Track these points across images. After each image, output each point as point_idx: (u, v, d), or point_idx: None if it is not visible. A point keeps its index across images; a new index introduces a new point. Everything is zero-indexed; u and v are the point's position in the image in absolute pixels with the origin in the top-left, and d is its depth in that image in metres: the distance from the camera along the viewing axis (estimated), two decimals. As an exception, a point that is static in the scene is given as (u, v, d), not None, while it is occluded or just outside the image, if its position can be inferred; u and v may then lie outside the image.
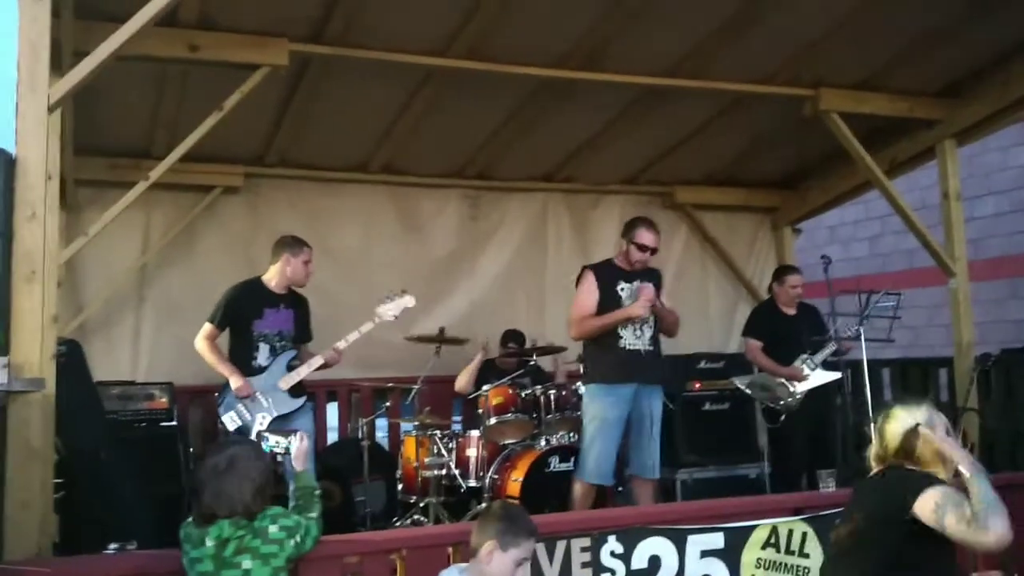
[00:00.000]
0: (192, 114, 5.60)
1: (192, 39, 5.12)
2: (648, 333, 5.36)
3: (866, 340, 5.77)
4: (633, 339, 5.32)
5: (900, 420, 3.26)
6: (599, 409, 5.29)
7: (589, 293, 5.32)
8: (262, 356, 5.36)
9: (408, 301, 5.58)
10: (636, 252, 5.34)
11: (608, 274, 5.38)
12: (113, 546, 3.88)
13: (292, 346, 5.49)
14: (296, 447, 3.57)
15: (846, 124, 6.64)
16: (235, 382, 5.22)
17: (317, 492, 3.50)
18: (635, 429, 5.34)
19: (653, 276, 5.48)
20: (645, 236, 5.34)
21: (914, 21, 5.87)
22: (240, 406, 5.25)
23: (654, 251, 5.38)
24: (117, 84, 5.21)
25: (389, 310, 5.53)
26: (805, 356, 6.30)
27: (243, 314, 5.36)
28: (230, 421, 5.26)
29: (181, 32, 5.08)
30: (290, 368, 5.39)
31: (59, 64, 4.23)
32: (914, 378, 8.13)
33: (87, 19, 4.58)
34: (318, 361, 5.41)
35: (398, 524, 6.07)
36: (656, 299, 5.29)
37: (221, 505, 3.08)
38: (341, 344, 5.44)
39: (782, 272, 6.89)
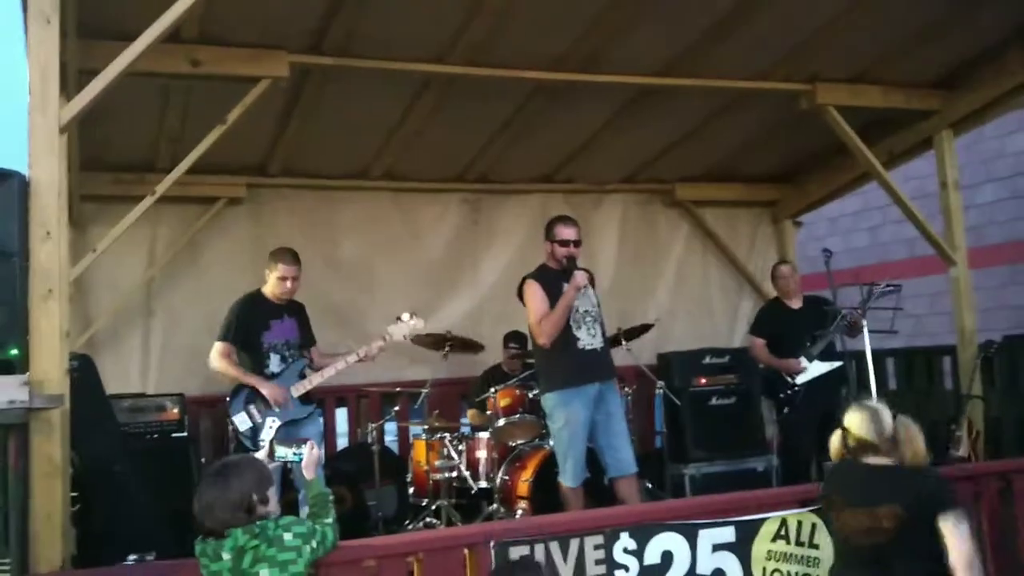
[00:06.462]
0: (195, 127, 5.65)
1: (193, 54, 5.18)
2: (599, 331, 5.43)
3: (869, 332, 5.80)
4: (589, 338, 5.35)
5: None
6: (569, 413, 5.26)
7: (539, 297, 5.35)
8: (273, 364, 5.45)
9: (419, 325, 5.65)
10: (560, 248, 5.43)
11: (547, 278, 5.42)
12: (132, 557, 3.97)
13: (300, 354, 5.57)
14: (307, 456, 3.62)
15: (843, 117, 6.69)
16: (268, 390, 5.30)
17: (331, 498, 3.54)
18: (603, 430, 5.34)
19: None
20: (564, 231, 5.45)
21: (908, 14, 5.91)
22: (252, 408, 5.32)
23: (576, 243, 5.45)
24: (121, 100, 5.21)
25: (400, 331, 5.59)
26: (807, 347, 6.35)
27: (252, 327, 5.44)
28: (241, 423, 5.32)
29: (183, 47, 5.13)
30: (302, 376, 5.47)
31: (65, 84, 4.29)
32: (918, 367, 8.18)
33: (90, 38, 4.63)
34: (330, 372, 5.50)
35: (410, 527, 6.12)
36: (586, 277, 5.32)
37: (212, 517, 3.12)
38: (352, 358, 5.53)
39: (774, 266, 6.98)
